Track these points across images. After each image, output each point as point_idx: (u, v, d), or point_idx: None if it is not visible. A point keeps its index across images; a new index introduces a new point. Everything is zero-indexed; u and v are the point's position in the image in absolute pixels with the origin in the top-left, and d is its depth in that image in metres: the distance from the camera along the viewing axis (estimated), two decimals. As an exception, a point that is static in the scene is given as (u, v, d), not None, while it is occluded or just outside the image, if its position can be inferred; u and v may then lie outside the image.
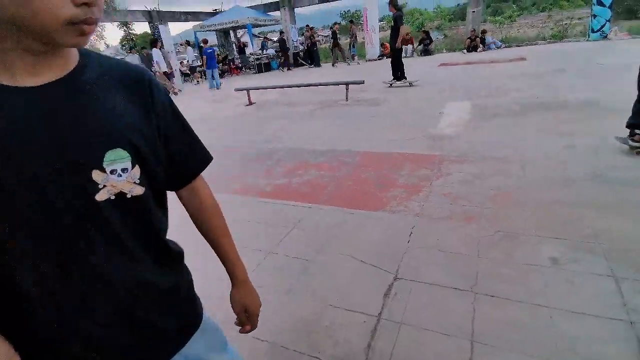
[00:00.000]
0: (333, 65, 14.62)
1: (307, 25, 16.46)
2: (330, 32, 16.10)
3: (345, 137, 4.61)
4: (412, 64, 12.17)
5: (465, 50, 13.50)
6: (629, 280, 1.71)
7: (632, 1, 18.18)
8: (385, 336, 1.58)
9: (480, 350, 1.45)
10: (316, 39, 15.54)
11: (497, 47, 13.38)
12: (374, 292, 1.85)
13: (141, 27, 31.42)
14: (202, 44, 13.28)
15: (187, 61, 16.88)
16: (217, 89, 12.08)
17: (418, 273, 1.94)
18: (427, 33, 14.68)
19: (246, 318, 0.87)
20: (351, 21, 17.87)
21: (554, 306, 1.62)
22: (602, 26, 12.12)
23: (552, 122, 4.20)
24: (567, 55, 9.51)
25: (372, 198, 2.88)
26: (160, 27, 15.57)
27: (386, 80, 8.16)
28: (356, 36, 15.35)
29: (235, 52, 18.69)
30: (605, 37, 12.07)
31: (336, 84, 7.78)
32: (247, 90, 8.07)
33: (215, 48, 12.56)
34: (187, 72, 16.28)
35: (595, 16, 12.20)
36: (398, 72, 8.05)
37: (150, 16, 18.02)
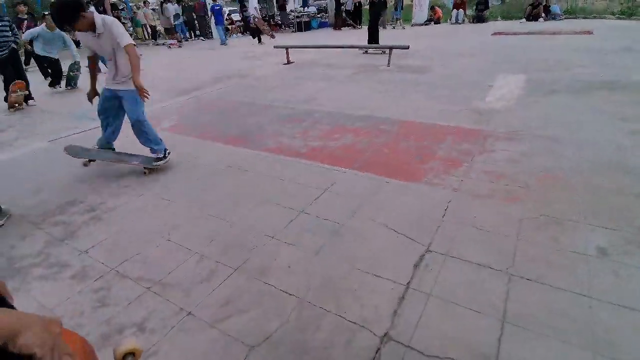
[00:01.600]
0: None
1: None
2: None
3: (385, 104, 4.44)
4: (461, 32, 11.33)
5: (524, 19, 12.33)
6: (686, 280, 1.58)
7: None
8: (413, 305, 1.58)
9: (511, 331, 1.42)
10: None
11: (560, 18, 12.13)
12: (404, 261, 1.84)
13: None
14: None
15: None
16: (224, 44, 12.18)
17: (451, 248, 1.90)
18: (484, -4, 13.43)
19: None
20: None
21: (595, 296, 1.54)
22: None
23: (616, 104, 3.81)
24: (637, 34, 8.45)
25: (409, 168, 2.80)
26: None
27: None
28: None
29: (276, 9, 18.10)
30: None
31: (378, 48, 7.41)
32: (286, 48, 7.87)
33: (220, 4, 12.45)
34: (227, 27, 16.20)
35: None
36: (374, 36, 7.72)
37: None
